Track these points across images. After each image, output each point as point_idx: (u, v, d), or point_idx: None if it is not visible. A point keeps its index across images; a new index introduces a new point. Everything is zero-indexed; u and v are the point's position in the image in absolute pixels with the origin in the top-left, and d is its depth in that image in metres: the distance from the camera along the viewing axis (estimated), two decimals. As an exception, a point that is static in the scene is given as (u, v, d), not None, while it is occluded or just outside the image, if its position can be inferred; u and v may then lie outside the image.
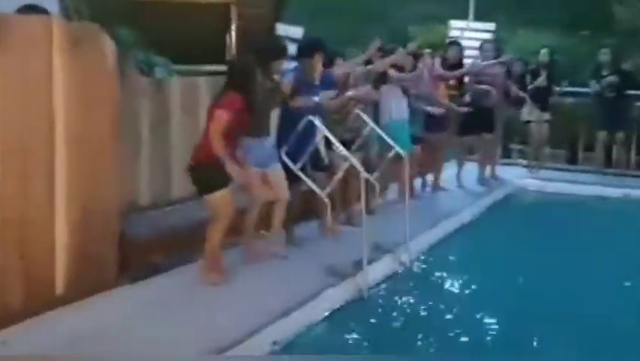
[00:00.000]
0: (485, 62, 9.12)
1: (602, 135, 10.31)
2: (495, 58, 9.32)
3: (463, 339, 4.90)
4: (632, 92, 10.51)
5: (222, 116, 5.06)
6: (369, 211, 6.41)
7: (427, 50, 8.71)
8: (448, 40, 9.87)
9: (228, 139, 5.09)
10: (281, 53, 5.82)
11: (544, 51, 10.28)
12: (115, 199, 5.21)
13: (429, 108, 8.27)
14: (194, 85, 6.92)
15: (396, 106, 7.56)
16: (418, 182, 8.79)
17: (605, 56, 10.18)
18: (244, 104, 5.15)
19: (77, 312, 4.67)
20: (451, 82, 8.89)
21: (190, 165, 5.27)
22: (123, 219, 5.42)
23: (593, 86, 10.29)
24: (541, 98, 10.10)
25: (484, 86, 9.05)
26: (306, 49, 6.30)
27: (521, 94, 9.79)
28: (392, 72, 7.53)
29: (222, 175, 5.12)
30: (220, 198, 5.19)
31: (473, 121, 9.04)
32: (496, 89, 9.16)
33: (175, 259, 5.67)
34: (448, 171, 9.40)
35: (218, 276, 5.29)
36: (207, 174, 5.18)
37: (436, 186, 9.07)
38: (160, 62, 6.71)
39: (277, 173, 5.85)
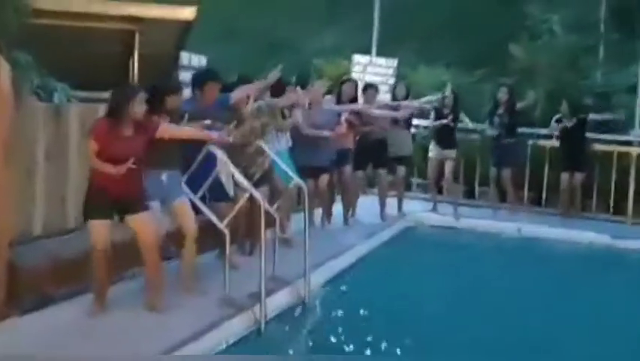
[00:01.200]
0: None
1: (493, 172, 10.61)
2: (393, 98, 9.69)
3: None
4: (525, 130, 10.90)
5: (89, 144, 5.08)
6: (276, 242, 6.43)
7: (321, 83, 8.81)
8: (343, 78, 9.91)
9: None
10: (175, 88, 5.83)
11: (448, 90, 10.51)
12: (4, 227, 5.05)
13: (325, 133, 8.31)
14: (94, 112, 6.76)
15: (277, 139, 7.58)
16: (318, 213, 8.89)
17: (502, 94, 10.47)
18: (110, 129, 5.06)
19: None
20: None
21: None
22: (13, 248, 5.25)
23: (490, 129, 10.52)
24: (444, 136, 10.32)
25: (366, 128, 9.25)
26: (198, 79, 6.45)
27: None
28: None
29: (99, 206, 5.10)
30: (92, 228, 5.15)
31: (364, 156, 9.25)
32: (381, 127, 9.37)
33: (69, 289, 5.52)
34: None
35: (97, 308, 5.22)
36: (86, 201, 5.19)
37: (347, 218, 9.22)
38: (58, 87, 6.58)
39: (180, 205, 5.77)
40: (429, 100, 10.42)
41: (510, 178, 10.50)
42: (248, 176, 6.35)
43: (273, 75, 6.97)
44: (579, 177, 10.26)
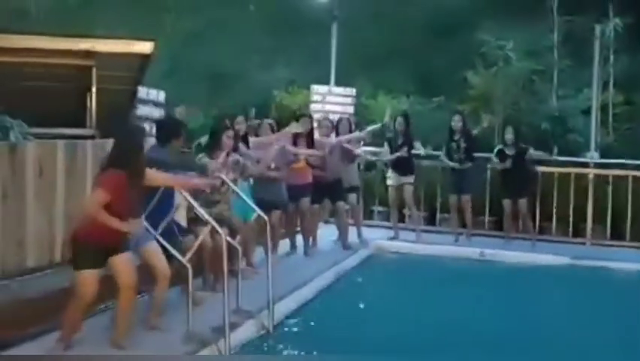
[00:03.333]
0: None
1: (453, 198, 10.66)
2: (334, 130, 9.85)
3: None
4: (484, 155, 10.99)
5: (97, 195, 4.98)
6: (239, 275, 6.40)
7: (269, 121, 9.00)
8: (298, 113, 9.92)
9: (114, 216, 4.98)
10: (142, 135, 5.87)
11: (399, 119, 10.57)
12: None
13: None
14: (52, 149, 6.71)
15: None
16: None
17: (455, 122, 10.56)
18: (122, 183, 5.01)
19: None
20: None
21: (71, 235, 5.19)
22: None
23: (445, 157, 10.62)
24: (400, 163, 10.39)
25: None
26: (172, 131, 6.44)
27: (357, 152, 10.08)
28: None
29: (91, 256, 5.01)
30: (82, 278, 5.04)
31: (321, 192, 9.29)
32: (331, 163, 9.43)
33: (28, 331, 5.41)
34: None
35: (61, 347, 5.11)
36: (77, 250, 5.08)
37: (307, 249, 9.19)
38: (14, 124, 6.50)
39: (151, 248, 5.73)
40: (371, 130, 10.50)
41: (469, 204, 10.57)
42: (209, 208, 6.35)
43: None
44: (523, 203, 10.34)
